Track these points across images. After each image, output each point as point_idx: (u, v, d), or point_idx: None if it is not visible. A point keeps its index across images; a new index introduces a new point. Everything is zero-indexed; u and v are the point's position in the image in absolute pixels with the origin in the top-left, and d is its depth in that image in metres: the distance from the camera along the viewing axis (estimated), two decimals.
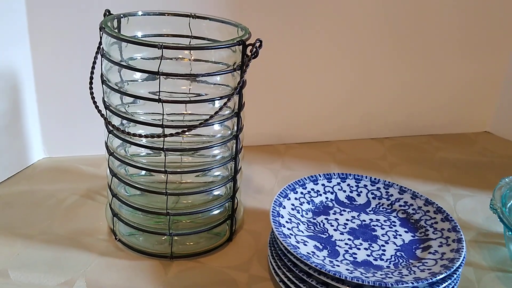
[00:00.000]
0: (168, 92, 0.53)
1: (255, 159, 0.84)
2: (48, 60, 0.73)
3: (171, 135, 0.51)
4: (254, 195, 0.74)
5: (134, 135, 0.52)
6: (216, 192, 0.59)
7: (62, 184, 0.72)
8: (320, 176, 0.64)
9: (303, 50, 0.84)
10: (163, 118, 0.52)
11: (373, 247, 0.55)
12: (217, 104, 0.55)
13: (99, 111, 0.54)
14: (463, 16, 0.91)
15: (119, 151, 0.59)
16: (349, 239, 0.56)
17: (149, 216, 0.59)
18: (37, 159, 0.78)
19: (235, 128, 0.57)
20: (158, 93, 0.50)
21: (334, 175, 0.65)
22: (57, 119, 0.77)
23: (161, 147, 0.53)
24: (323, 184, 0.64)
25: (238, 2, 0.77)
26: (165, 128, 0.52)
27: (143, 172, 0.59)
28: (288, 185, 0.62)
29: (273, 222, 0.54)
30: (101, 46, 0.55)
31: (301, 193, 0.62)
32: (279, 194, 0.59)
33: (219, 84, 0.55)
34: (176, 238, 0.58)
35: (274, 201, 0.58)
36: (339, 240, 0.56)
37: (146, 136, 0.51)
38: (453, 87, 0.97)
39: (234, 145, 0.58)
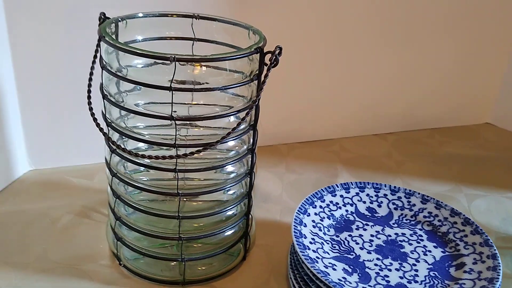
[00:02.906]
0: (174, 103, 0.47)
1: (257, 162, 0.79)
2: (30, 64, 0.66)
3: (185, 155, 0.46)
4: (261, 204, 0.69)
5: (143, 156, 0.46)
6: (230, 212, 0.54)
7: (53, 201, 0.66)
8: (338, 187, 0.60)
9: (301, 46, 0.78)
10: (176, 137, 0.46)
11: (404, 267, 0.51)
12: (233, 117, 0.50)
13: (101, 129, 0.48)
14: (463, 7, 0.87)
15: (118, 168, 0.53)
16: (377, 259, 0.52)
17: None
18: (22, 172, 0.71)
19: (251, 141, 0.52)
20: (171, 111, 0.45)
21: (352, 184, 0.61)
22: (42, 128, 0.70)
23: (173, 168, 0.48)
24: (341, 195, 0.60)
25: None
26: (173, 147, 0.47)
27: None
28: (306, 199, 0.57)
29: (297, 244, 0.50)
30: (99, 56, 0.49)
31: (320, 206, 0.57)
32: (298, 211, 0.55)
33: (233, 95, 0.50)
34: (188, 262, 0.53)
35: (295, 219, 0.54)
36: (368, 260, 0.52)
37: (157, 158, 0.46)
38: (453, 79, 0.93)
39: (250, 160, 0.53)
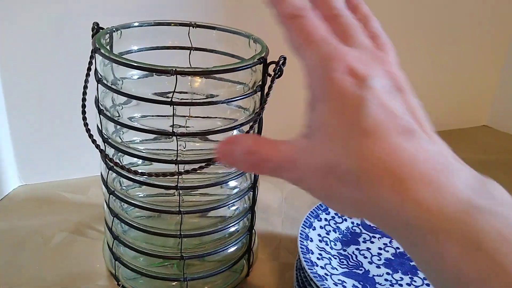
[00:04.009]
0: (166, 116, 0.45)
1: None
2: (18, 75, 0.63)
3: (187, 172, 0.43)
4: (260, 214, 0.67)
5: (143, 174, 0.44)
6: (233, 228, 0.52)
7: (46, 218, 0.63)
8: None
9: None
10: (177, 154, 0.44)
11: (415, 281, 0.49)
12: (235, 131, 0.48)
13: (97, 146, 0.46)
14: (460, 10, 0.86)
15: (114, 184, 0.51)
16: (387, 273, 0.50)
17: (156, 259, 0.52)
18: (12, 188, 0.68)
19: None
20: (172, 126, 0.43)
21: None
22: (32, 141, 0.67)
23: (174, 185, 0.45)
24: None
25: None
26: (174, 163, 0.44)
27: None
28: (311, 211, 0.55)
29: (305, 260, 0.48)
30: (93, 68, 0.46)
31: (325, 219, 0.56)
32: (303, 225, 0.53)
33: (236, 108, 0.48)
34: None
35: (300, 233, 0.52)
36: (378, 275, 0.50)
37: (157, 175, 0.43)
38: (449, 82, 0.92)
39: (253, 174, 0.51)
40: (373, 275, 0.50)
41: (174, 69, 0.40)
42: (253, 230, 0.54)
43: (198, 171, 0.43)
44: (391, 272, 0.50)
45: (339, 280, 0.48)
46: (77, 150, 0.68)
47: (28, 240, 0.59)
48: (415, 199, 0.24)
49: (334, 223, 0.56)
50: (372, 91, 0.26)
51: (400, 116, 0.26)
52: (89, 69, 0.47)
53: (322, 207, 0.57)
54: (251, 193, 0.52)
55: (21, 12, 0.60)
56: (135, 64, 0.40)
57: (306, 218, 0.54)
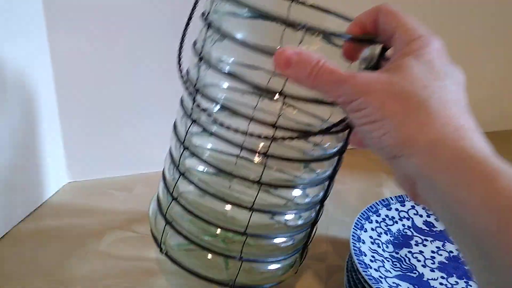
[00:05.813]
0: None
1: None
2: (72, 67, 0.60)
3: (283, 138, 0.40)
4: None
5: (237, 131, 0.39)
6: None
7: (95, 216, 0.63)
8: (392, 199, 0.58)
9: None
10: (278, 116, 0.41)
11: (470, 285, 0.49)
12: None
13: (187, 88, 0.44)
14: (499, 7, 0.84)
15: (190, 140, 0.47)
16: (442, 277, 0.50)
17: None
18: (61, 185, 0.69)
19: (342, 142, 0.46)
20: (284, 84, 0.39)
21: (407, 197, 0.58)
22: (83, 138, 0.65)
23: (264, 151, 0.42)
24: (396, 209, 0.57)
25: None
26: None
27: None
28: (361, 213, 0.55)
29: (359, 263, 0.47)
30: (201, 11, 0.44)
31: (376, 221, 0.55)
32: (355, 226, 0.53)
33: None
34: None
35: (352, 235, 0.51)
36: (432, 279, 0.49)
37: (251, 135, 0.40)
38: (487, 83, 0.90)
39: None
40: (428, 279, 0.49)
41: (304, 24, 0.36)
42: (315, 225, 0.53)
43: (294, 139, 0.40)
44: (445, 276, 0.50)
45: (393, 283, 0.48)
46: (126, 148, 0.69)
47: (79, 239, 0.59)
48: (470, 142, 0.30)
49: (385, 225, 0.55)
50: None
51: (462, 101, 0.33)
52: (191, 13, 0.44)
53: (373, 208, 0.56)
54: (327, 182, 0.48)
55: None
56: (266, 14, 0.37)
57: (357, 220, 0.54)
